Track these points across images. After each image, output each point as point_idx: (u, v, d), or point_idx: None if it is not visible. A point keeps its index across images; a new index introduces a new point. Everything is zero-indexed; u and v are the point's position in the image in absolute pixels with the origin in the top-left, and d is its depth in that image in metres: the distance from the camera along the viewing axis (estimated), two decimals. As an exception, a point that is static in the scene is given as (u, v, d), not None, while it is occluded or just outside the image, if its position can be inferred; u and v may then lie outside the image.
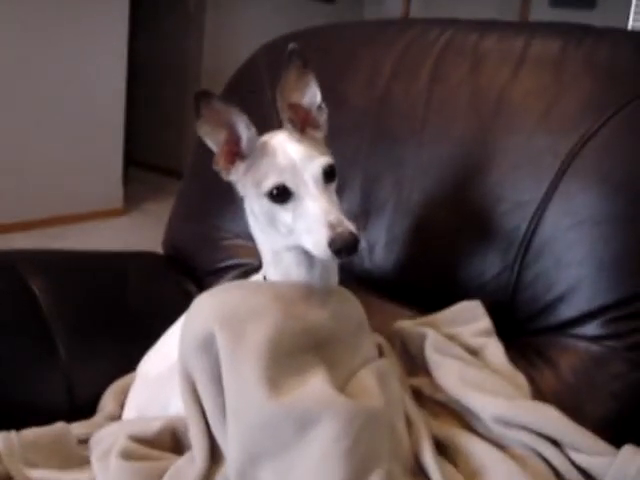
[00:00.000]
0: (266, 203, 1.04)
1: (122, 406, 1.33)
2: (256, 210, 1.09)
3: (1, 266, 1.49)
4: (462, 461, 1.07)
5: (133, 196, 5.31)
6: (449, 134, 1.43)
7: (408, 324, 1.29)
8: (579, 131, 1.29)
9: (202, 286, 1.67)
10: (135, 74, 5.40)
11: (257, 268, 1.59)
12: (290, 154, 1.04)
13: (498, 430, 1.08)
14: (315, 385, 0.99)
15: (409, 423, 1.09)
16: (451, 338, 1.25)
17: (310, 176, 1.02)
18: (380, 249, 1.45)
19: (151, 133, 6.41)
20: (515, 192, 1.33)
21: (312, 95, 1.12)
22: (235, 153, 1.09)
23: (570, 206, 1.27)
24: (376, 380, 1.07)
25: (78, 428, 1.25)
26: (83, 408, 1.35)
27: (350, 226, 0.98)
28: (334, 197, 1.05)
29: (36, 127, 4.56)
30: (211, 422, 1.03)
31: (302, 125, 1.11)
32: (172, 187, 5.71)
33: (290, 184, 1.02)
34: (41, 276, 1.48)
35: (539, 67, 1.39)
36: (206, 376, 1.02)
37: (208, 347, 1.02)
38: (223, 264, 1.68)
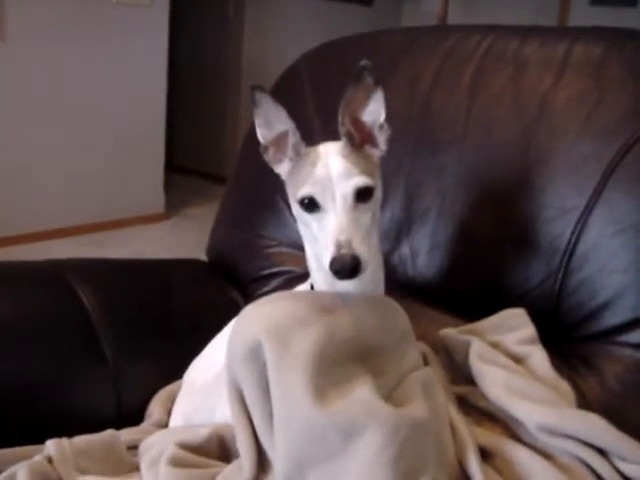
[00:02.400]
0: (298, 209, 1.07)
1: (169, 413, 1.35)
2: (294, 213, 1.11)
3: (51, 275, 1.53)
4: (507, 469, 1.07)
5: (174, 201, 5.37)
6: (491, 141, 1.43)
7: (452, 332, 1.29)
8: (622, 137, 1.28)
9: (246, 293, 1.69)
10: (175, 80, 5.47)
11: (301, 276, 1.62)
12: (330, 167, 1.04)
13: (543, 438, 1.08)
14: (361, 394, 1.00)
15: (454, 431, 1.09)
16: (495, 346, 1.24)
17: (340, 193, 1.03)
18: (423, 256, 1.46)
19: (191, 138, 6.49)
20: (558, 199, 1.32)
21: (377, 113, 1.11)
22: (283, 152, 1.12)
23: (614, 213, 1.27)
24: (421, 389, 1.08)
25: (127, 435, 1.28)
26: (131, 416, 1.38)
27: (357, 250, 0.98)
28: (363, 218, 1.04)
29: (79, 134, 4.64)
30: (259, 431, 1.05)
31: (361, 142, 1.11)
32: (213, 192, 5.82)
33: (318, 197, 1.03)
34: (89, 285, 1.51)
35: (581, 73, 1.38)
36: (253, 385, 1.04)
37: (255, 357, 1.03)
38: (267, 272, 1.69)
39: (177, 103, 5.85)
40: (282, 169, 1.13)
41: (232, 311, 1.60)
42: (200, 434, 1.14)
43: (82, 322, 1.44)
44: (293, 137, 1.09)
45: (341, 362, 1.04)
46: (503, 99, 1.44)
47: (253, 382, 1.04)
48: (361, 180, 1.04)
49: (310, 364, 1.00)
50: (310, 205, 1.04)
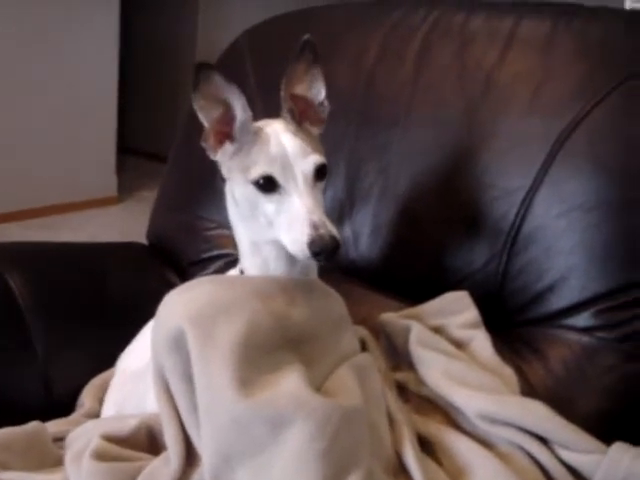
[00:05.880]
0: (251, 191, 1.01)
1: (101, 403, 1.29)
2: (238, 196, 1.05)
3: (-24, 260, 1.46)
4: (447, 459, 1.03)
5: (127, 184, 5.26)
6: (435, 118, 1.39)
7: (393, 316, 1.25)
8: (570, 114, 1.24)
9: (185, 277, 1.63)
10: (128, 59, 5.35)
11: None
12: (284, 145, 1.01)
13: (483, 427, 1.04)
14: (288, 384, 0.95)
15: (391, 420, 1.05)
16: (437, 330, 1.21)
17: (300, 172, 0.99)
18: (365, 238, 1.41)
19: (144, 120, 6.36)
20: (504, 178, 1.28)
21: (317, 90, 1.10)
22: (225, 133, 1.05)
23: (560, 192, 1.23)
24: (355, 377, 1.03)
25: (54, 426, 1.22)
26: (62, 406, 1.32)
27: (333, 230, 0.96)
28: (320, 197, 1.02)
29: (26, 115, 4.50)
30: (185, 422, 0.99)
31: (300, 118, 1.08)
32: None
33: (278, 176, 0.99)
34: (18, 269, 1.44)
35: (528, 48, 1.34)
36: (178, 375, 0.98)
37: (179, 345, 0.98)
38: (207, 255, 1.64)
39: (129, 83, 5.73)
40: (222, 154, 1.07)
41: (170, 295, 1.55)
42: (128, 425, 1.08)
43: (9, 309, 1.38)
44: (244, 114, 1.03)
45: (269, 351, 0.99)
46: (448, 75, 1.39)
47: (177, 372, 0.98)
48: (318, 158, 1.01)
49: (234, 354, 0.95)
50: (267, 185, 0.99)
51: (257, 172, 0.99)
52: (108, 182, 5.10)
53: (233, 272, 1.20)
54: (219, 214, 1.62)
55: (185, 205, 1.71)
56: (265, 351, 0.98)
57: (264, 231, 1.04)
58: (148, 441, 1.09)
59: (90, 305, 1.49)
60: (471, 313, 1.22)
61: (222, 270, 1.57)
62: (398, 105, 1.42)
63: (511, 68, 1.33)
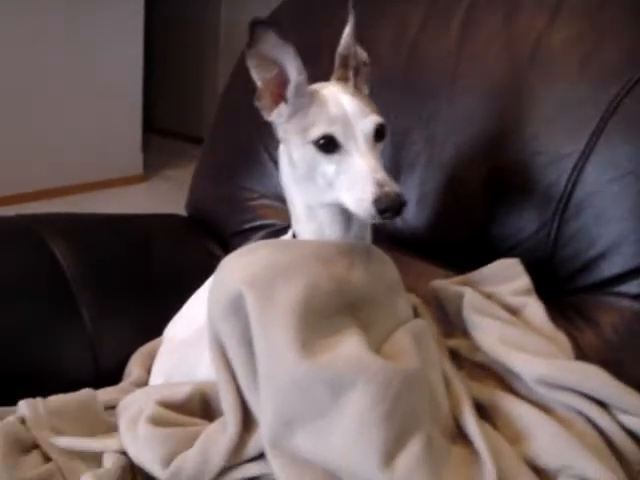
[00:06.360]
0: (310, 151, 1.00)
1: (149, 372, 1.29)
2: (296, 158, 1.03)
3: (21, 230, 1.46)
4: (503, 424, 1.02)
5: (152, 163, 5.26)
6: (482, 87, 1.37)
7: (444, 283, 1.24)
8: (621, 79, 1.22)
9: (227, 248, 1.62)
10: (153, 41, 5.34)
11: (284, 229, 1.56)
12: (344, 106, 1.00)
13: (541, 391, 1.03)
14: (350, 347, 0.95)
15: (448, 385, 1.04)
16: (489, 297, 1.19)
17: (361, 132, 0.98)
18: (412, 207, 1.39)
19: (169, 99, 6.35)
20: (553, 145, 1.27)
21: (361, 50, 1.10)
22: (279, 95, 1.04)
23: (613, 158, 1.21)
24: (412, 341, 1.03)
25: (105, 394, 1.22)
26: (110, 375, 1.32)
27: (397, 187, 0.94)
28: (380, 159, 1.00)
29: (54, 95, 4.51)
30: (243, 387, 0.99)
31: (354, 80, 1.08)
32: (192, 153, 5.66)
33: (339, 136, 0.98)
34: (63, 239, 1.44)
35: (577, 13, 1.31)
36: (236, 339, 0.98)
37: (237, 309, 0.97)
38: (249, 225, 1.63)
39: (155, 62, 5.72)
40: (277, 116, 1.05)
41: (213, 266, 1.54)
42: (181, 391, 1.09)
43: (56, 279, 1.38)
44: (299, 76, 1.01)
45: (329, 313, 0.98)
46: (494, 43, 1.37)
47: (235, 336, 0.98)
48: (377, 118, 1.01)
49: (295, 316, 0.94)
50: (327, 146, 0.98)
51: (317, 132, 0.98)
52: (134, 161, 5.11)
53: (284, 238, 1.19)
54: (261, 184, 1.62)
55: (226, 176, 1.70)
56: (324, 314, 0.97)
57: (321, 194, 1.03)
58: (202, 407, 1.09)
59: (135, 275, 1.49)
60: (523, 280, 1.21)
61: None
62: (443, 74, 1.41)
63: (560, 34, 1.31)
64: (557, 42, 1.30)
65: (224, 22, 5.94)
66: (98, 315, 1.38)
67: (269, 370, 0.94)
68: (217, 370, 1.02)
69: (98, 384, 1.26)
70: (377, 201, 0.93)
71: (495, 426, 1.02)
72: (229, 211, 1.67)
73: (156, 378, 1.25)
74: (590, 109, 1.24)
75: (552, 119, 1.28)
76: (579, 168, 1.23)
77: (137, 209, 4.50)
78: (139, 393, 1.17)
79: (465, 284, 1.22)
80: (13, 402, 1.15)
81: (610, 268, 1.22)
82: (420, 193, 1.39)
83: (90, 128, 4.76)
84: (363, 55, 1.09)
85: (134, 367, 1.32)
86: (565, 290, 1.27)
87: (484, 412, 1.04)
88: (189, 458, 0.97)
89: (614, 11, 1.28)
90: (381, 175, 0.95)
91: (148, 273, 1.50)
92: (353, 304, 1.02)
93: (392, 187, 0.94)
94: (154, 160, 5.31)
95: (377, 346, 1.00)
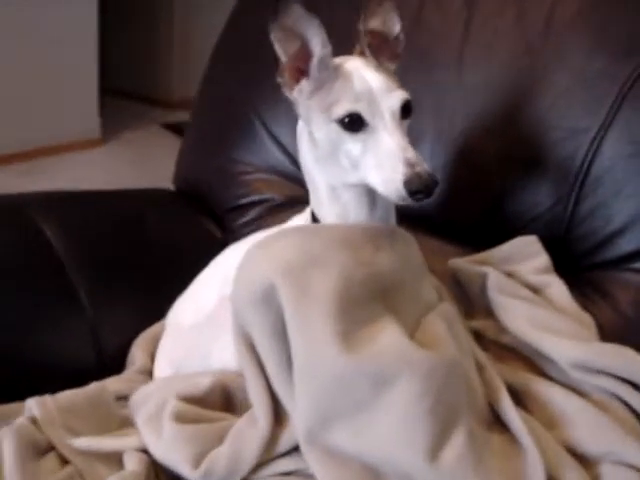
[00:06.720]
0: (334, 130, 0.95)
1: (152, 358, 1.25)
2: (318, 137, 0.98)
3: (10, 211, 1.39)
4: (538, 409, 1.01)
5: (110, 125, 5.10)
6: (493, 59, 1.33)
7: (463, 263, 1.21)
8: (640, 53, 1.19)
9: (223, 224, 1.58)
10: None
11: (283, 204, 1.51)
12: (369, 82, 0.95)
13: (576, 375, 1.01)
14: (389, 337, 0.92)
15: (480, 371, 1.02)
16: (510, 276, 1.17)
17: (388, 108, 0.94)
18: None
19: (126, 60, 6.16)
20: (569, 119, 1.24)
21: (392, 23, 1.03)
22: (300, 70, 0.99)
23: (632, 133, 1.20)
24: (445, 327, 1.00)
25: (113, 384, 1.17)
26: (112, 362, 1.27)
27: (428, 166, 0.90)
28: (407, 136, 0.95)
29: (6, 56, 4.33)
30: (274, 381, 0.96)
31: (376, 54, 1.02)
32: (150, 115, 5.61)
33: (365, 114, 0.93)
34: (54, 220, 1.37)
35: (593, -18, 1.28)
36: (267, 332, 0.94)
37: (268, 301, 0.93)
38: (245, 200, 1.57)
39: (110, 22, 5.52)
40: (299, 93, 1.00)
41: (210, 244, 1.50)
42: (202, 384, 1.04)
43: (51, 264, 1.31)
44: (323, 49, 0.96)
45: (365, 302, 0.95)
46: (505, 14, 1.33)
47: (266, 328, 0.94)
48: (403, 94, 0.96)
49: (333, 307, 0.91)
50: (353, 124, 0.93)
51: (342, 110, 0.93)
52: (91, 124, 4.95)
53: (298, 220, 1.15)
54: (256, 157, 1.56)
55: (218, 148, 1.63)
56: (361, 303, 0.94)
57: (346, 174, 0.98)
58: (223, 400, 1.06)
59: (131, 256, 1.42)
60: (543, 258, 1.19)
61: (263, 216, 1.52)
62: (450, 42, 1.36)
63: (575, 5, 1.28)
64: (572, 13, 1.27)
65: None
66: (96, 298, 1.32)
67: (307, 364, 0.91)
68: (244, 362, 0.99)
69: (101, 373, 1.21)
70: (408, 182, 0.89)
71: (528, 411, 1.00)
72: (222, 185, 1.60)
73: (161, 366, 1.20)
74: (607, 83, 1.21)
75: (568, 93, 1.25)
76: (597, 143, 1.21)
77: (96, 173, 4.41)
78: (154, 386, 1.12)
79: (484, 263, 1.20)
80: (15, 395, 1.10)
81: (628, 244, 1.21)
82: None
83: (43, 90, 4.57)
84: (395, 29, 1.03)
85: (137, 354, 1.27)
86: (581, 266, 1.25)
87: (516, 397, 1.02)
88: (221, 457, 0.94)
89: (631, -21, 1.25)
90: (411, 154, 0.91)
91: (144, 253, 1.44)
92: (382, 290, 0.99)
93: (423, 167, 0.90)
94: (111, 123, 5.14)
95: (410, 333, 0.97)
